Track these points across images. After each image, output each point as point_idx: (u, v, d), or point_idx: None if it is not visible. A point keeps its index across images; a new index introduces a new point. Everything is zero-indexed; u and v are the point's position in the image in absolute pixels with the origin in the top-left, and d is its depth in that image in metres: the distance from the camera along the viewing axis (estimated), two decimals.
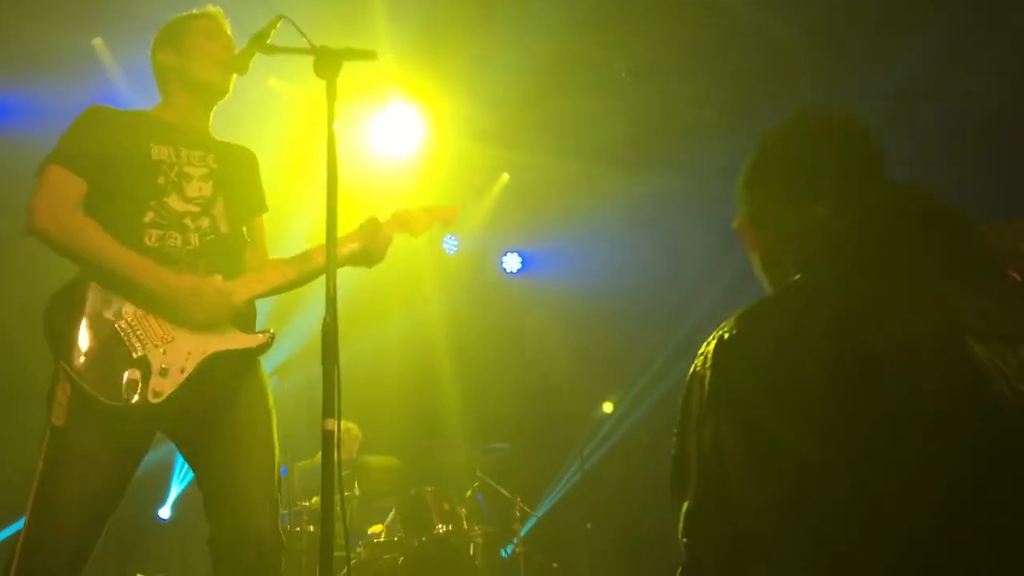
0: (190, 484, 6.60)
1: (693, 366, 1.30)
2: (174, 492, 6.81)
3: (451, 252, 8.66)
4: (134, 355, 2.44)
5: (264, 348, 2.65)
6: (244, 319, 2.67)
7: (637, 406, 8.32)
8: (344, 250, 2.75)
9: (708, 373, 1.26)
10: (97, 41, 5.98)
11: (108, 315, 2.45)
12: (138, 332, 2.47)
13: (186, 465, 2.77)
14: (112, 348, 2.43)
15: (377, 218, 2.88)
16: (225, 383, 2.59)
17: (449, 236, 8.59)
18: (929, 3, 5.66)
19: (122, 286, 2.47)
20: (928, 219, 1.31)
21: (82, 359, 2.39)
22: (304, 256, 2.80)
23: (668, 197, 7.92)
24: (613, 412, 8.60)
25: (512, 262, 8.96)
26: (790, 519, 1.16)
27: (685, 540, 1.24)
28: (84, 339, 2.40)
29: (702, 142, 7.23)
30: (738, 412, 1.21)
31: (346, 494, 5.56)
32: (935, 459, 1.12)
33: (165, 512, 6.78)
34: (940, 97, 5.57)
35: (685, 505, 1.26)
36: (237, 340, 2.60)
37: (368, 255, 2.85)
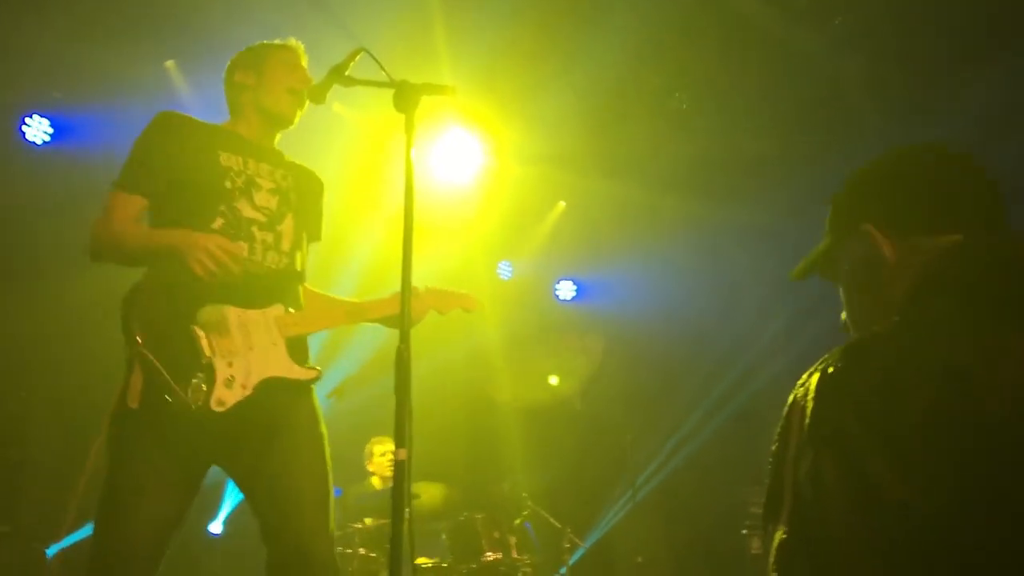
0: (242, 500, 6.68)
1: (793, 395, 1.29)
2: (226, 507, 6.88)
3: (505, 278, 8.67)
4: (202, 360, 2.49)
5: (314, 381, 2.73)
6: (298, 351, 2.73)
7: (691, 439, 8.22)
8: (378, 313, 2.89)
9: (809, 405, 1.24)
10: (169, 63, 6.15)
11: (183, 315, 2.51)
12: (210, 338, 2.52)
13: None
14: (184, 347, 2.49)
15: (417, 287, 2.92)
16: (279, 409, 2.64)
17: (504, 262, 8.62)
18: (1006, 36, 5.52)
19: (191, 285, 2.52)
20: None
21: (158, 349, 2.44)
22: (357, 308, 2.92)
23: (727, 229, 7.86)
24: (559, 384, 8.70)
25: (566, 290, 8.94)
26: (883, 559, 1.14)
27: (775, 572, 1.23)
28: (160, 332, 2.47)
29: (764, 174, 7.17)
30: (838, 448, 1.19)
31: None
32: None
33: (216, 527, 6.85)
34: (1013, 137, 5.42)
35: (777, 536, 1.25)
36: (293, 370, 2.67)
37: (397, 320, 2.93)
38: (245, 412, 2.52)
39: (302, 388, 2.72)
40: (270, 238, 2.73)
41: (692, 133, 6.91)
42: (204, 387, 2.46)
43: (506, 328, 8.11)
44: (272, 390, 2.59)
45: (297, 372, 2.68)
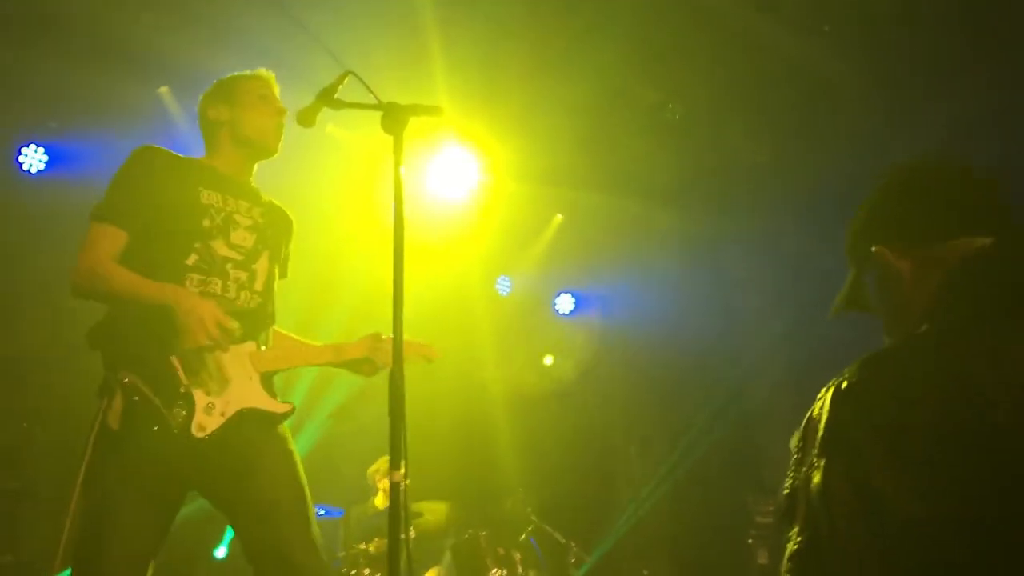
0: None
1: (810, 411, 1.30)
2: (230, 532, 6.85)
3: (504, 293, 8.68)
4: (181, 389, 2.51)
5: (287, 416, 2.77)
6: (271, 386, 2.78)
7: (693, 449, 8.20)
8: (347, 356, 2.90)
9: (823, 419, 1.25)
10: (163, 90, 6.17)
11: (161, 346, 2.52)
12: (187, 368, 2.54)
13: None
14: (164, 375, 2.51)
15: (380, 334, 2.91)
16: (253, 438, 2.67)
17: (503, 277, 8.62)
18: (988, 42, 5.56)
19: (168, 326, 2.52)
20: None
21: (139, 374, 2.48)
22: (331, 349, 2.92)
23: (723, 238, 7.87)
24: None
25: (565, 303, 8.94)
26: (888, 571, 1.14)
27: None
28: (141, 363, 2.50)
29: (758, 183, 7.18)
30: (848, 462, 1.20)
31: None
32: None
33: (221, 552, 6.82)
34: (997, 137, 5.43)
35: (789, 547, 1.26)
36: (267, 402, 2.72)
37: (362, 365, 2.93)
38: (224, 438, 2.55)
39: (276, 420, 2.76)
40: (244, 276, 2.75)
41: (686, 144, 6.93)
42: (184, 413, 2.49)
43: (504, 343, 8.11)
44: (249, 420, 2.63)
45: (273, 405, 2.72)
